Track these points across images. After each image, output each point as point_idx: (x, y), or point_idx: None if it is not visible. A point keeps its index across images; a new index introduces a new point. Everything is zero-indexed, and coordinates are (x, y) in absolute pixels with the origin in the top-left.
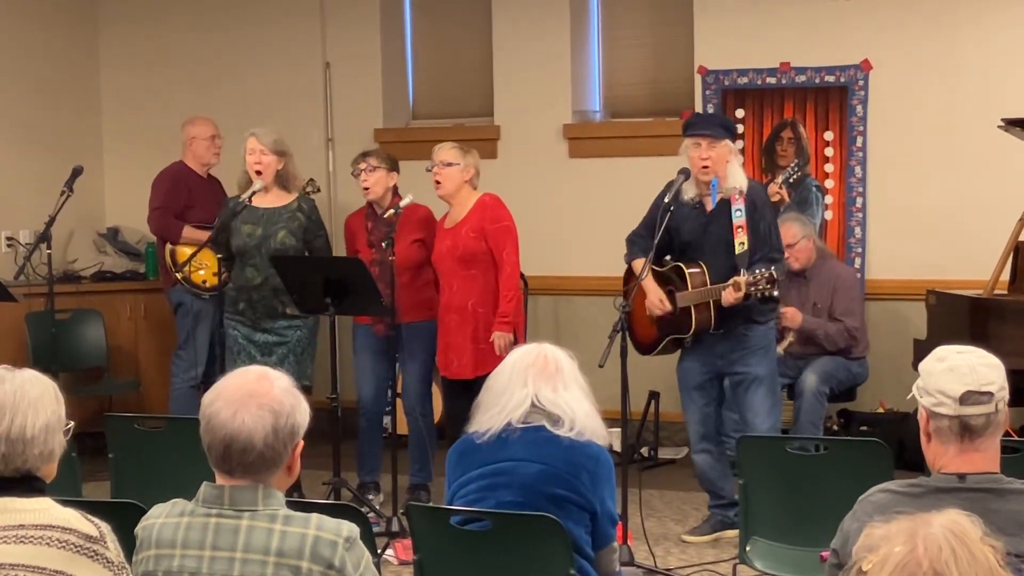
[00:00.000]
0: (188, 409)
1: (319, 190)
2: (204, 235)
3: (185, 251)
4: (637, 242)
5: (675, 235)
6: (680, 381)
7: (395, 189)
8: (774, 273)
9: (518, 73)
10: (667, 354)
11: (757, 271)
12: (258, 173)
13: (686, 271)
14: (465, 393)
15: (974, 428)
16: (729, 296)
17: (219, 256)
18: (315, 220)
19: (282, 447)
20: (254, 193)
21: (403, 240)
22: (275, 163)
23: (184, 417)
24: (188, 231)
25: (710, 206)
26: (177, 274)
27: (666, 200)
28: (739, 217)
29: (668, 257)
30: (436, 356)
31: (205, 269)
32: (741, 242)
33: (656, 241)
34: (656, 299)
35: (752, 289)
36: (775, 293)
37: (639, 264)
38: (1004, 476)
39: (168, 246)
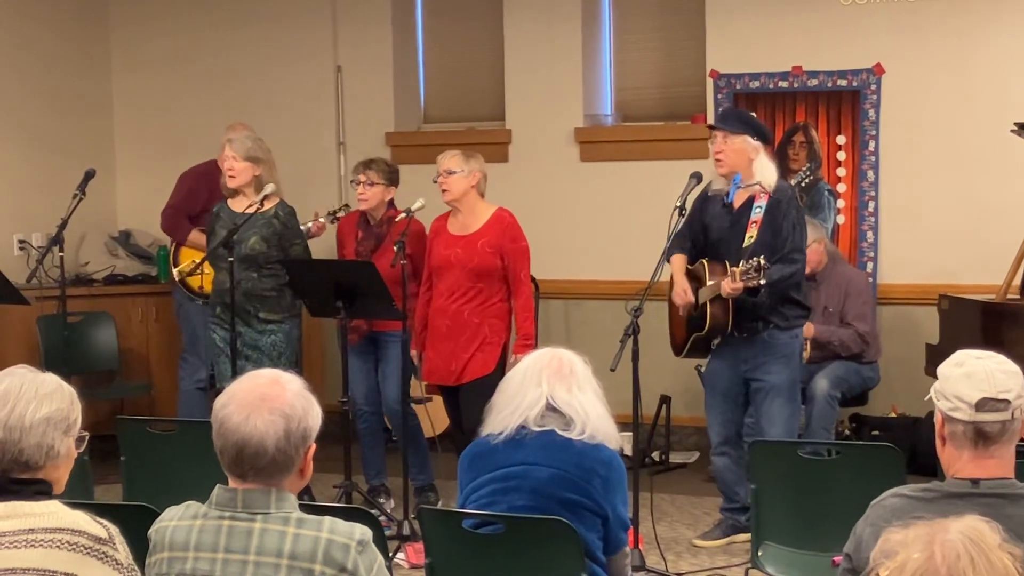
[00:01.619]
0: (196, 411)
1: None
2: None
3: (189, 254)
4: (675, 240)
5: (708, 233)
6: (706, 382)
7: (391, 202)
8: (761, 260)
9: (529, 77)
10: (696, 357)
11: (751, 260)
12: (231, 178)
13: (706, 268)
14: (450, 399)
15: (989, 435)
16: (726, 286)
17: (231, 260)
18: (292, 227)
19: (294, 451)
20: (266, 197)
21: (390, 251)
22: (248, 170)
23: (196, 420)
24: (195, 235)
25: (737, 202)
26: (175, 272)
27: (677, 204)
28: (757, 213)
29: (705, 260)
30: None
31: (202, 275)
32: (750, 235)
33: (669, 244)
34: (680, 288)
35: (745, 278)
36: (762, 281)
37: (676, 259)
38: (1018, 482)
39: (172, 246)
